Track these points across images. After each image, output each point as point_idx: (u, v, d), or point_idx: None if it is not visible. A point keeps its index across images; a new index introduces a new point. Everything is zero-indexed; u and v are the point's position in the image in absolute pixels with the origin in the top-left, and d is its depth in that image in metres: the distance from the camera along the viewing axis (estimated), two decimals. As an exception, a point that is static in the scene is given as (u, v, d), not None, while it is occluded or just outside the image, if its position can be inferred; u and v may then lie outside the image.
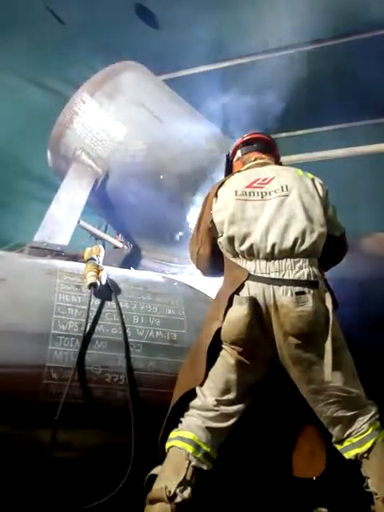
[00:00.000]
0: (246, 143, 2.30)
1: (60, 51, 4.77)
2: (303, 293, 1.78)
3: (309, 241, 1.86)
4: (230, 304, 1.83)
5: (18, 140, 5.50)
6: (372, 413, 1.85)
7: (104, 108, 3.36)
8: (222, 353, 1.87)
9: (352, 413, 1.83)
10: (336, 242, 2.05)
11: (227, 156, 2.41)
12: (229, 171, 2.34)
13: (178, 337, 2.10)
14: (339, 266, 2.17)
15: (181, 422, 1.85)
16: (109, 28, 4.59)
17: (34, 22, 4.60)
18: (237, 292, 1.83)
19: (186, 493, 1.70)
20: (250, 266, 1.88)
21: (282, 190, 1.94)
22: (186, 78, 5.00)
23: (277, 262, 1.85)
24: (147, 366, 1.99)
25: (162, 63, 4.41)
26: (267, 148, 2.28)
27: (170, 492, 1.67)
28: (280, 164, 2.29)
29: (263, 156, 2.22)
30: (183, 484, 1.70)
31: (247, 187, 1.98)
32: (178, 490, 1.68)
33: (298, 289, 1.79)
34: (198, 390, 1.86)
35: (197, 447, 1.77)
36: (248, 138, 2.31)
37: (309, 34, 4.57)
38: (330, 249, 1.99)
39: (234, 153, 2.34)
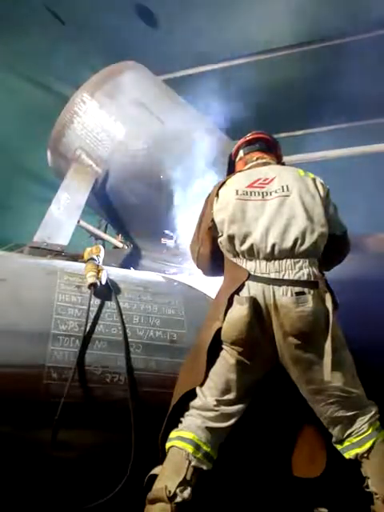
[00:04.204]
0: (248, 143, 2.29)
1: (60, 51, 4.78)
2: (303, 293, 1.78)
3: (309, 241, 1.86)
4: (230, 304, 1.82)
5: (18, 140, 5.51)
6: (372, 413, 1.85)
7: (104, 108, 3.37)
8: (222, 353, 1.87)
9: (352, 413, 1.82)
10: (338, 240, 2.04)
11: (229, 155, 2.40)
12: (231, 171, 2.33)
13: (178, 337, 2.10)
14: (340, 266, 2.16)
15: (181, 421, 1.85)
16: (109, 28, 4.59)
17: (34, 22, 4.60)
18: (237, 292, 1.83)
19: (186, 493, 1.70)
20: (250, 265, 1.88)
21: (283, 190, 1.94)
22: (186, 78, 5.00)
23: (277, 262, 1.85)
24: (147, 366, 1.99)
25: (162, 63, 4.42)
26: (269, 148, 2.27)
27: (170, 492, 1.67)
28: (283, 164, 2.28)
29: (265, 156, 2.21)
30: (183, 484, 1.70)
31: (248, 187, 1.98)
32: (178, 490, 1.68)
33: (297, 289, 1.79)
34: (198, 390, 1.86)
35: (197, 447, 1.77)
36: (250, 137, 2.30)
37: (307, 35, 4.58)
38: (331, 248, 1.98)
39: (236, 152, 2.34)
